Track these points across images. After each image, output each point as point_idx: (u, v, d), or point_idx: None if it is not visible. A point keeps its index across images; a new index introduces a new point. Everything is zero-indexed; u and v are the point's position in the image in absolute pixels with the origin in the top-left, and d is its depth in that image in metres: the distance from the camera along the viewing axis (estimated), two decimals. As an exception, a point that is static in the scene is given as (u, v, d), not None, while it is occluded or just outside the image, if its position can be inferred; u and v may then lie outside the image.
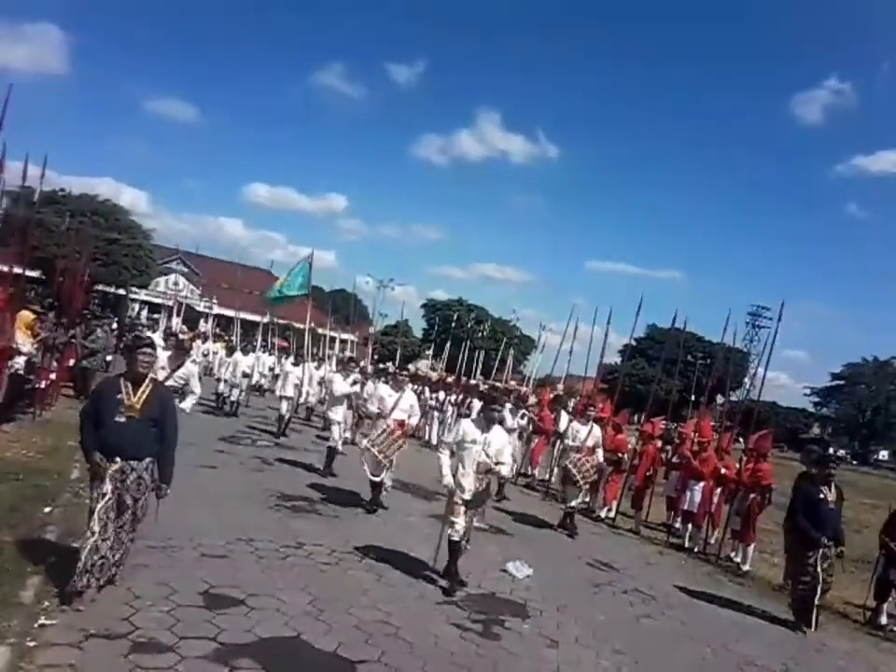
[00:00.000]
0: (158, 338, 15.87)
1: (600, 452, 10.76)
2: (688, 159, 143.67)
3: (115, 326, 26.50)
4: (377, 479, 9.05)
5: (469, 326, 44.57)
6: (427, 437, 18.00)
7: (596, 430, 10.84)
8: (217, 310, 56.85)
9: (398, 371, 13.98)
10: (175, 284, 56.45)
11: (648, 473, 12.14)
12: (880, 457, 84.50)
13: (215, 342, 19.60)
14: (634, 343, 63.85)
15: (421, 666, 4.66)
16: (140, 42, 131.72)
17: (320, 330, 32.45)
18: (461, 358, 22.35)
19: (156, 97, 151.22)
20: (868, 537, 13.90)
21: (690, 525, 11.06)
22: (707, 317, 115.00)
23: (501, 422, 6.68)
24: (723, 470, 10.75)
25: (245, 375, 17.69)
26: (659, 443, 12.97)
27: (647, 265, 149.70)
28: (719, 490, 10.90)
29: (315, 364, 19.31)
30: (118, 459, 4.58)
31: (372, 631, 5.04)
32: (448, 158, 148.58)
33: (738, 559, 10.05)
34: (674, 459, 12.24)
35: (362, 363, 21.32)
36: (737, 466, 10.72)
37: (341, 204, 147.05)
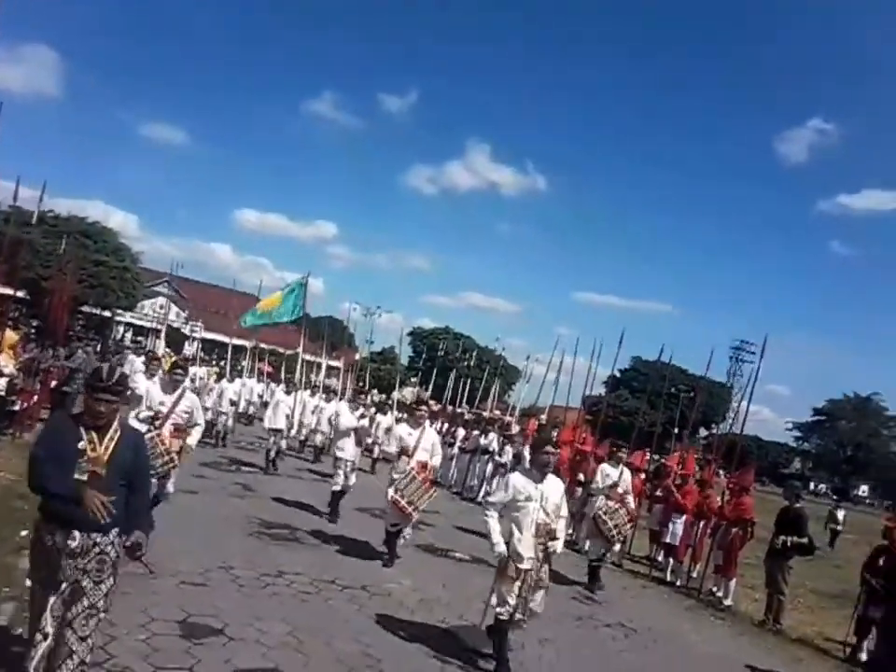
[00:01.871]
0: (140, 363, 15.72)
1: (630, 499, 10.05)
2: (675, 192, 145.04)
3: (98, 348, 26.33)
4: (394, 529, 8.07)
5: (456, 354, 44.65)
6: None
7: (627, 475, 10.06)
8: (202, 334, 56.73)
9: (387, 401, 13.32)
10: (161, 307, 56.27)
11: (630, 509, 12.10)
12: (860, 493, 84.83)
13: (200, 366, 19.35)
14: (618, 374, 64.25)
15: (401, 700, 4.62)
16: (133, 66, 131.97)
17: (307, 357, 32.39)
18: (448, 387, 22.38)
19: (148, 121, 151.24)
20: (850, 571, 13.95)
21: (672, 559, 11.05)
22: (692, 350, 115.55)
23: (519, 460, 6.00)
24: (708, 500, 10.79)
25: (231, 403, 17.17)
26: (643, 476, 12.99)
27: (633, 297, 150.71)
28: (701, 524, 10.91)
29: (309, 392, 18.89)
30: (76, 534, 3.33)
31: (353, 664, 4.98)
32: (438, 188, 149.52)
33: (720, 593, 10.03)
34: (657, 492, 12.26)
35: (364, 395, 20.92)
36: (719, 500, 10.77)
37: (330, 231, 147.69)
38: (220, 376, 18.73)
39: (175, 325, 52.51)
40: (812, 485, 76.17)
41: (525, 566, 5.33)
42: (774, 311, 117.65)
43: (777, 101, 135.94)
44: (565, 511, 5.72)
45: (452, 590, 7.27)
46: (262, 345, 25.18)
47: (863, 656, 8.05)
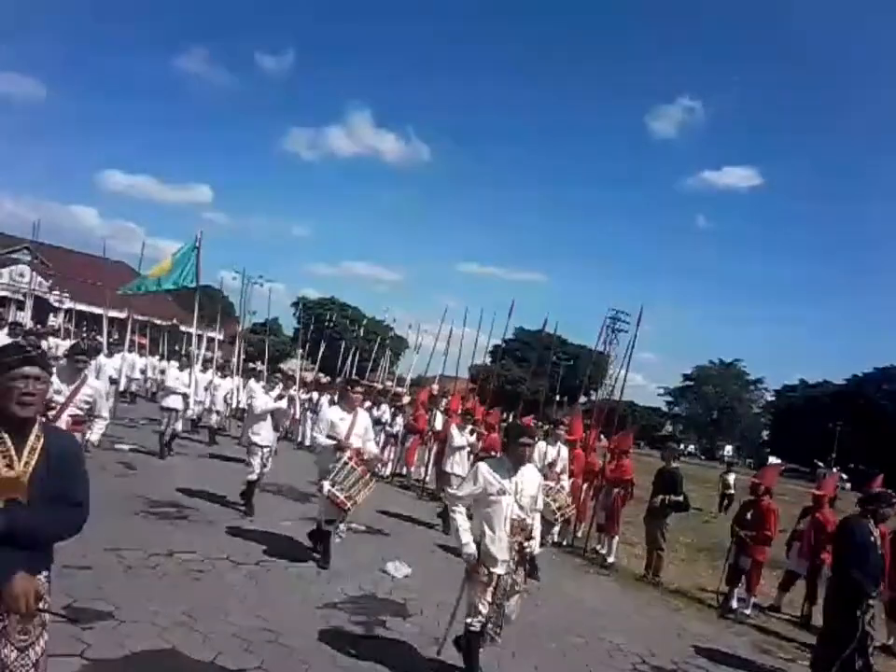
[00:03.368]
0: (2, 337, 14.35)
1: (565, 478, 9.78)
2: (552, 165, 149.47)
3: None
4: (329, 527, 7.21)
5: (344, 325, 44.19)
6: (299, 438, 17.69)
7: (564, 452, 9.88)
8: (68, 304, 53.27)
9: (281, 374, 12.08)
10: (22, 275, 52.32)
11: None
12: (726, 453, 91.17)
13: (69, 339, 18.01)
14: (503, 343, 65.77)
15: (304, 670, 4.59)
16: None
17: (183, 328, 31.06)
18: (340, 359, 22.16)
19: None
20: (719, 526, 15.02)
21: (559, 521, 11.50)
22: (570, 320, 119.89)
23: (524, 460, 4.89)
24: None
25: (112, 381, 14.82)
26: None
27: (514, 267, 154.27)
28: (585, 486, 11.40)
29: (200, 367, 17.81)
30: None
31: (252, 638, 4.90)
32: (318, 153, 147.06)
33: (604, 551, 10.54)
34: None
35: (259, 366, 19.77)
36: (601, 463, 11.32)
37: (205, 196, 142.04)
38: (96, 351, 17.41)
39: (39, 294, 49.04)
40: (683, 446, 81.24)
41: (498, 569, 4.70)
42: (645, 281, 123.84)
43: (649, 78, 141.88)
44: (541, 504, 5.16)
45: (348, 560, 7.26)
46: (136, 316, 23.79)
47: (734, 604, 8.69)
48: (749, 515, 8.89)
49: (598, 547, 10.83)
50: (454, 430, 11.55)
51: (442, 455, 13.73)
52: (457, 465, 11.21)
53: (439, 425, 14.53)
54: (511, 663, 5.50)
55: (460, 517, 4.79)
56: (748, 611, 8.60)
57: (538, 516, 5.02)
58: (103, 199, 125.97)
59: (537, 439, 8.15)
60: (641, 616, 7.84)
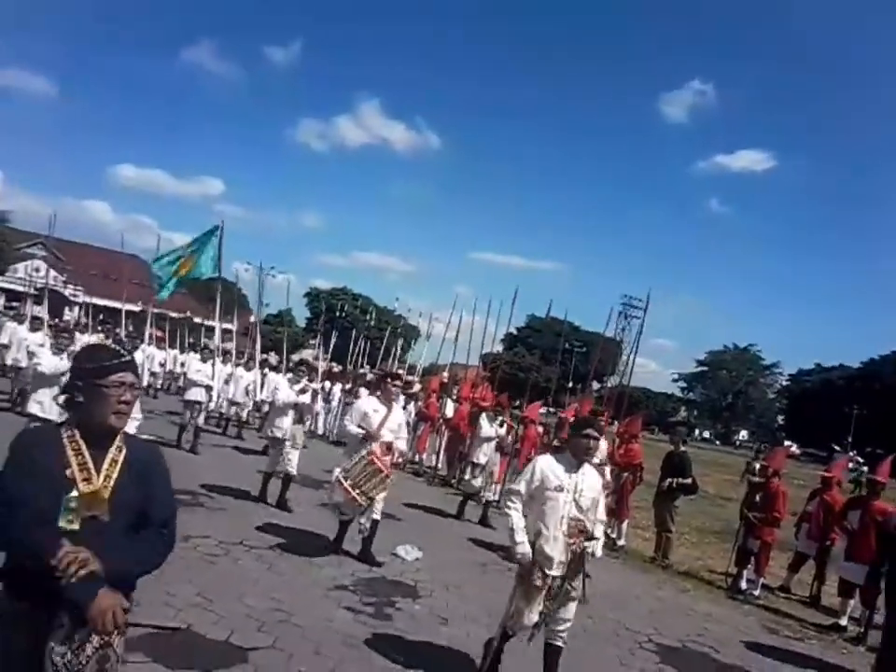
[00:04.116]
0: (24, 331, 14.52)
1: (607, 470, 9.39)
2: (564, 153, 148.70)
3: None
4: (346, 517, 7.12)
5: (356, 315, 44.35)
6: (313, 427, 17.83)
7: (603, 444, 9.43)
8: (83, 298, 53.76)
9: (306, 365, 11.34)
10: (37, 270, 52.87)
11: (529, 456, 12.57)
12: (741, 438, 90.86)
13: (92, 333, 18.10)
14: (515, 332, 65.78)
15: (314, 650, 4.71)
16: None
17: (197, 319, 31.29)
18: (351, 348, 22.29)
19: (8, 68, 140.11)
20: (729, 509, 15.05)
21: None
22: (584, 307, 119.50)
23: (589, 454, 4.55)
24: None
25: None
26: (540, 428, 13.46)
27: (527, 256, 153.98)
28: (596, 471, 11.47)
29: (221, 360, 17.61)
30: (64, 618, 2.08)
31: (265, 619, 5.03)
32: (328, 143, 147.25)
33: (614, 535, 10.62)
34: (555, 443, 12.74)
35: (268, 356, 19.49)
36: (611, 447, 11.37)
37: (217, 188, 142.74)
38: (115, 343, 17.47)
39: (55, 288, 49.56)
40: (697, 432, 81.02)
41: (553, 571, 4.35)
42: (659, 267, 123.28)
43: (660, 63, 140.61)
44: (602, 514, 4.73)
45: (359, 543, 7.39)
46: (152, 309, 24.00)
47: (743, 584, 8.77)
48: (757, 498, 8.96)
49: (608, 531, 10.91)
50: (483, 420, 11.30)
51: (455, 442, 13.90)
52: (483, 455, 11.04)
53: (450, 412, 14.64)
54: (517, 644, 5.60)
55: (515, 514, 4.44)
56: (756, 592, 8.68)
57: (599, 526, 4.64)
58: (115, 193, 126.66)
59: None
60: (650, 597, 7.93)
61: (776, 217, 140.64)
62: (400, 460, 7.94)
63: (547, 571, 4.33)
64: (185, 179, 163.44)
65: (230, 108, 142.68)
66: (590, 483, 4.49)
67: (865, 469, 33.80)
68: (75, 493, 2.15)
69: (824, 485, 9.43)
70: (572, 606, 4.50)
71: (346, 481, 6.65)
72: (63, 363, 7.69)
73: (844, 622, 7.89)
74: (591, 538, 4.42)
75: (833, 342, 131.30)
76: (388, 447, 7.01)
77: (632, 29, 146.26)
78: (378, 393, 7.42)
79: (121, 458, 2.30)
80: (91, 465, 2.22)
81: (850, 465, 21.60)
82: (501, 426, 11.51)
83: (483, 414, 11.49)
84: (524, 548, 4.37)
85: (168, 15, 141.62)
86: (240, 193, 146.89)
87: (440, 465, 14.51)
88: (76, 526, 2.13)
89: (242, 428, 15.74)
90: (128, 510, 2.27)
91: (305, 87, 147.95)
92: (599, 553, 4.59)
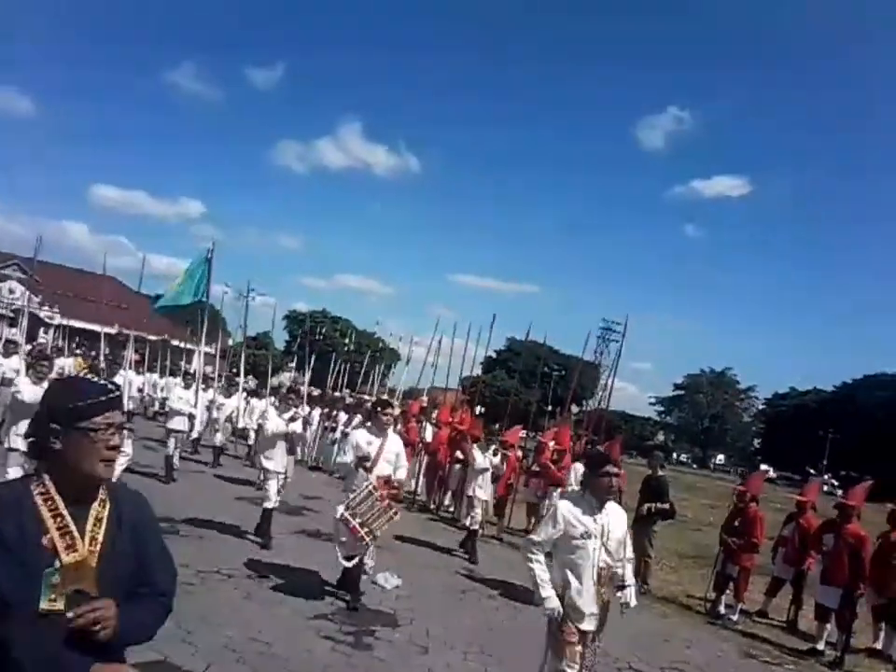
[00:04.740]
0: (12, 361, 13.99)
1: None
2: (542, 178, 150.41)
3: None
4: (349, 563, 6.56)
5: (335, 337, 44.25)
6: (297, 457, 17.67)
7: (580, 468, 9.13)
8: (59, 320, 53.14)
9: (295, 394, 10.95)
10: (11, 291, 52.21)
11: (509, 481, 12.59)
12: (717, 461, 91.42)
13: (69, 356, 17.73)
14: (494, 355, 65.93)
15: (295, 681, 4.68)
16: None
17: (175, 342, 31.01)
18: (332, 371, 22.23)
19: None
20: (708, 534, 15.11)
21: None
22: (562, 330, 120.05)
23: (612, 492, 4.23)
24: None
25: None
26: (519, 452, 13.50)
27: (507, 279, 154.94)
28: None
29: (203, 385, 17.11)
30: None
31: (243, 650, 4.99)
32: (308, 166, 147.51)
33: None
34: (534, 467, 12.79)
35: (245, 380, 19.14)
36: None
37: (196, 210, 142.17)
38: (92, 369, 17.14)
39: (31, 310, 48.95)
40: (674, 456, 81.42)
41: (586, 624, 4.05)
42: (636, 292, 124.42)
43: (638, 88, 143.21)
44: (630, 552, 4.42)
45: (338, 572, 7.34)
46: (124, 330, 23.53)
47: (721, 609, 8.81)
48: (736, 523, 9.02)
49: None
50: (476, 452, 10.86)
51: (434, 468, 13.88)
52: (479, 488, 10.55)
53: (429, 436, 14.63)
54: (497, 670, 5.60)
55: (538, 566, 4.13)
56: (735, 617, 8.72)
57: (629, 567, 4.33)
58: (94, 214, 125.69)
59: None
60: (628, 622, 7.89)
61: (751, 243, 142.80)
62: (401, 491, 7.55)
63: (579, 626, 4.03)
64: (164, 200, 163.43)
65: (211, 129, 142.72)
66: (616, 522, 4.19)
67: (840, 492, 34.30)
68: (56, 564, 1.75)
69: (799, 510, 9.53)
70: None
71: (355, 518, 6.26)
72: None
73: (821, 646, 7.95)
74: (622, 585, 4.17)
75: (808, 366, 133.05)
76: (387, 481, 6.67)
77: (610, 55, 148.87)
78: (369, 424, 7.17)
79: (106, 514, 1.89)
80: (72, 527, 1.81)
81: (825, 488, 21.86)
82: (495, 455, 11.18)
83: (475, 445, 11.13)
84: (551, 602, 4.04)
85: (150, 35, 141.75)
86: (220, 215, 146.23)
87: (419, 490, 14.45)
88: (60, 606, 1.73)
89: (220, 455, 15.33)
90: (119, 579, 1.87)
91: (286, 109, 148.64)
92: (634, 601, 4.30)
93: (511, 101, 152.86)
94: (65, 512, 1.81)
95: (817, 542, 8.49)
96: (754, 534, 8.71)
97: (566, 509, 4.14)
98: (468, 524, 10.49)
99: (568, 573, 4.07)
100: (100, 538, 1.85)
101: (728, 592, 8.91)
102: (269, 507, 8.67)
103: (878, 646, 8.44)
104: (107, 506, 1.91)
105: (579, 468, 8.74)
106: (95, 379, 2.02)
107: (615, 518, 4.19)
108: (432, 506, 13.80)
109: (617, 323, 68.94)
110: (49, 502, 1.81)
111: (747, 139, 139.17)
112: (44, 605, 1.72)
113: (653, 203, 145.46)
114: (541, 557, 4.13)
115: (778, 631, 8.78)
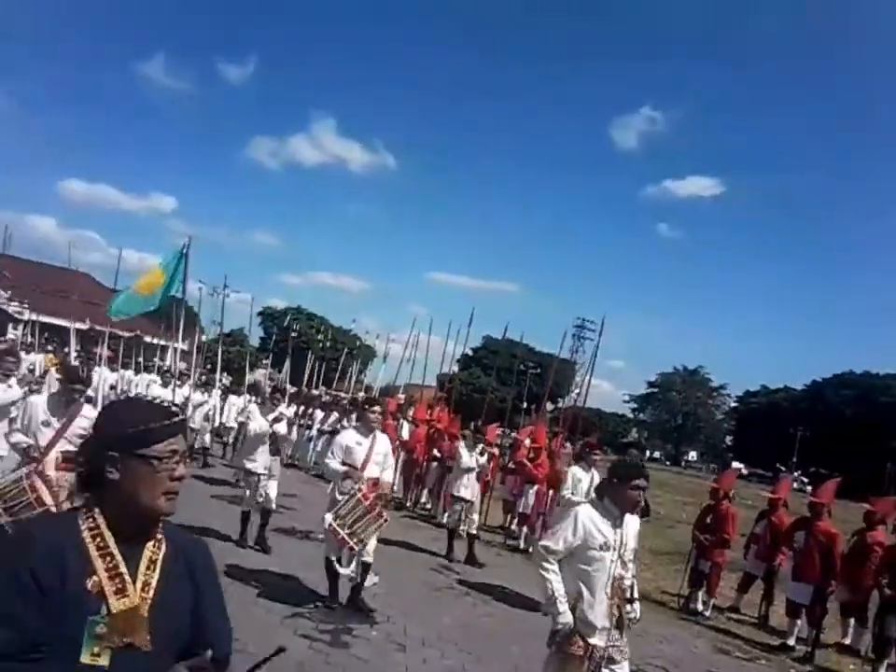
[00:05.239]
0: None
1: None
2: (517, 177, 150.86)
3: None
4: (345, 571, 6.41)
5: (311, 335, 44.04)
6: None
7: (598, 479, 8.24)
8: (28, 315, 52.24)
9: (279, 393, 10.51)
10: (-19, 287, 51.22)
11: (486, 479, 12.61)
12: (690, 458, 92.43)
13: (38, 353, 17.21)
14: (470, 352, 66.04)
15: (271, 680, 4.64)
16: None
17: (147, 338, 30.65)
18: (309, 368, 22.13)
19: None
20: (681, 531, 15.27)
21: (525, 528, 11.64)
22: (538, 328, 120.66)
23: (638, 507, 3.99)
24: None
25: (87, 400, 14.10)
26: (496, 450, 13.53)
27: (483, 277, 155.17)
28: (551, 493, 11.56)
29: (178, 382, 16.42)
30: None
31: (219, 648, 4.94)
32: (281, 162, 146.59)
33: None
34: (510, 465, 12.85)
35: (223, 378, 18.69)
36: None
37: (169, 205, 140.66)
38: (63, 365, 16.62)
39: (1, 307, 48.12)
40: (647, 453, 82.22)
41: (596, 639, 3.79)
42: (611, 289, 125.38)
43: (612, 88, 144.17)
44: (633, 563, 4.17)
45: (315, 570, 7.31)
46: (97, 327, 23.00)
47: (699, 606, 8.92)
48: (708, 519, 9.13)
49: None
50: (462, 450, 10.54)
51: (411, 465, 13.89)
52: (464, 488, 10.31)
53: (406, 434, 14.62)
54: (474, 667, 5.62)
55: (554, 577, 3.82)
56: (707, 613, 8.83)
57: (634, 582, 4.12)
58: (62, 208, 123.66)
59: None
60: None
61: (723, 242, 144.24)
62: (391, 492, 7.38)
63: (589, 640, 3.77)
64: (136, 195, 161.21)
65: (183, 124, 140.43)
66: (632, 532, 3.99)
67: (809, 489, 34.88)
68: (103, 611, 1.49)
69: (771, 507, 9.67)
70: (625, 665, 3.97)
71: (343, 529, 6.08)
72: (13, 391, 6.96)
73: (791, 641, 8.07)
74: (631, 599, 3.95)
75: (779, 364, 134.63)
76: (375, 483, 6.52)
77: (584, 55, 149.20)
78: (357, 423, 6.87)
79: (161, 556, 1.63)
80: (123, 568, 1.55)
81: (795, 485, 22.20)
82: (482, 454, 10.81)
83: (462, 443, 10.88)
84: (565, 618, 3.77)
85: (121, 29, 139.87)
86: (193, 211, 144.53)
87: (394, 487, 14.42)
88: (104, 662, 1.48)
89: (206, 456, 14.95)
90: (176, 633, 1.61)
91: (259, 105, 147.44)
92: (638, 615, 4.07)
93: (485, 100, 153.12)
94: (115, 551, 1.56)
95: (788, 539, 8.61)
96: (726, 530, 8.82)
97: (585, 516, 3.86)
98: (445, 521, 10.49)
99: (582, 585, 3.82)
100: (153, 583, 1.59)
101: (702, 589, 9.00)
102: (245, 509, 8.57)
103: (847, 641, 8.60)
104: (163, 547, 1.65)
105: (576, 471, 8.51)
106: (157, 400, 1.80)
107: (632, 528, 4.00)
108: (409, 503, 13.80)
109: (591, 321, 69.56)
110: (99, 539, 1.56)
111: (719, 140, 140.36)
112: (85, 658, 1.47)
113: (627, 203, 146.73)
114: (556, 567, 3.85)
115: (750, 627, 8.91)
